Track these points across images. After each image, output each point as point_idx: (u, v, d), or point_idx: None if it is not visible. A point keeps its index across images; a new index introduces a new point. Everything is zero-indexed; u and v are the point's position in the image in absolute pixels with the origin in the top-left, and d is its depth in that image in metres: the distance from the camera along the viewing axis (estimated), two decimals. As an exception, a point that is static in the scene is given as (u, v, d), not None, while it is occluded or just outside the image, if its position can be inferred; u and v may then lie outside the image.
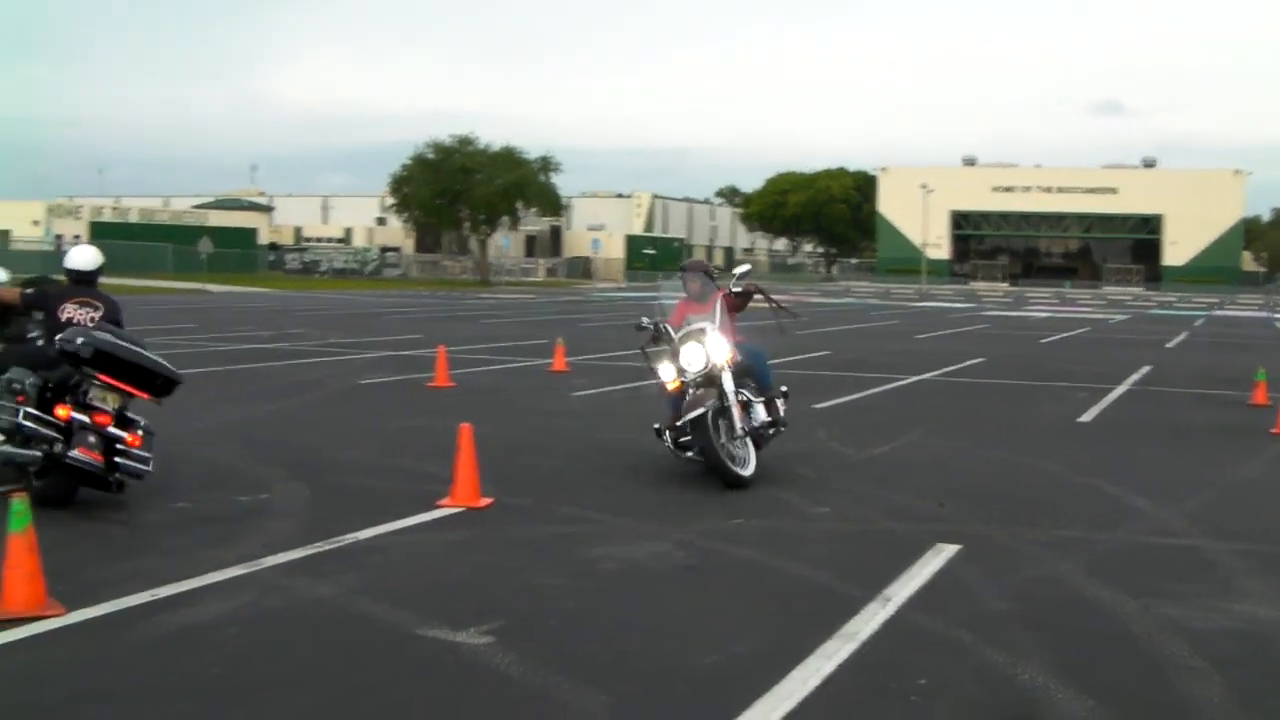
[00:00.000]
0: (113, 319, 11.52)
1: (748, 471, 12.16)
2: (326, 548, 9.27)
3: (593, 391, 20.15)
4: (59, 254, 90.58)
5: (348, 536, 9.58)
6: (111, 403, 10.70)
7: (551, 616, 7.77)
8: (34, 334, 11.82)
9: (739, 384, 12.58)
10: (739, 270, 13.63)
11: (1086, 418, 18.40)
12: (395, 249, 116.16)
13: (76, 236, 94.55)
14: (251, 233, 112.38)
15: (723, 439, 12.08)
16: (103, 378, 10.68)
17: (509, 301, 62.29)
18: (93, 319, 11.42)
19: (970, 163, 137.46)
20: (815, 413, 18.00)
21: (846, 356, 29.12)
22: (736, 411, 12.23)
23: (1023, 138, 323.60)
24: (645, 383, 21.45)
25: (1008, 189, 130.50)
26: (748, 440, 12.37)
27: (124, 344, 10.89)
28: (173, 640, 7.16)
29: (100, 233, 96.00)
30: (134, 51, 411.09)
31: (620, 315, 48.19)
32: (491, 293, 76.77)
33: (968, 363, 27.94)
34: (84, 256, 11.89)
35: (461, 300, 62.87)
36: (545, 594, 8.28)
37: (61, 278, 11.97)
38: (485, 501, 10.76)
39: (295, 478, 11.98)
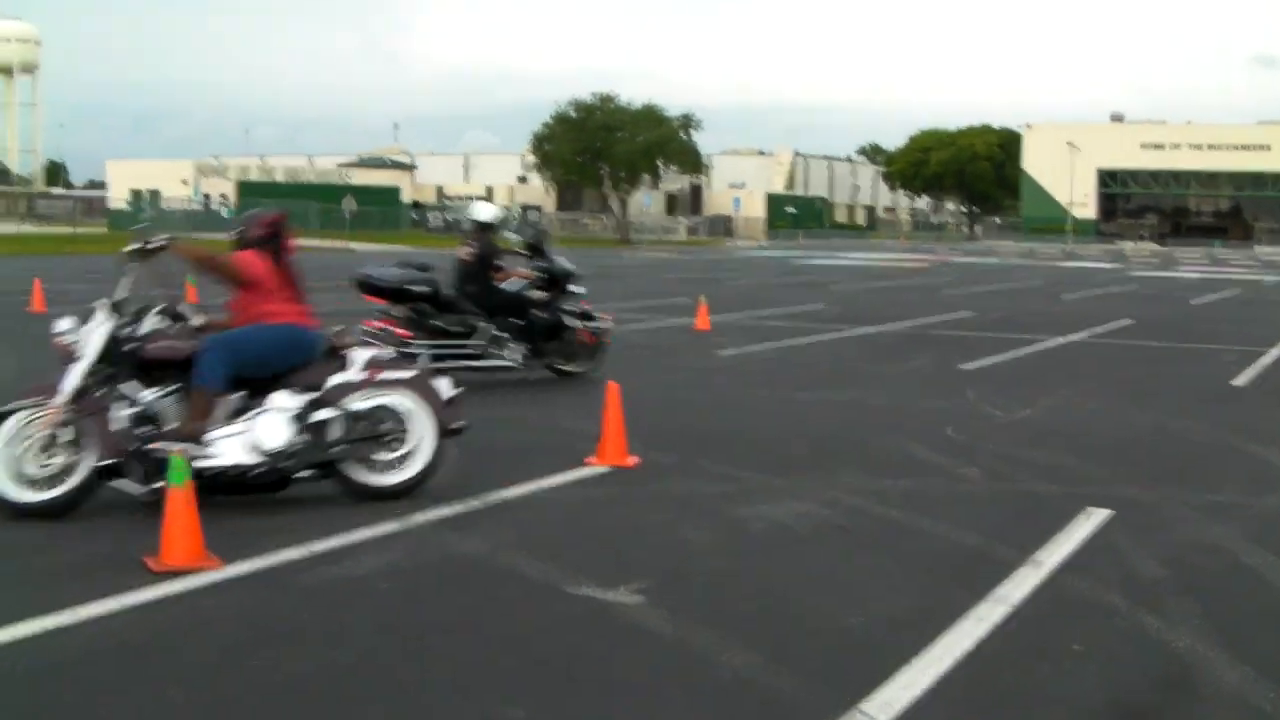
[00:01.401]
0: (481, 255, 15.94)
1: (26, 497, 8.76)
2: (476, 504, 9.36)
3: (737, 350, 20.13)
4: (207, 213, 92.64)
5: (496, 494, 9.66)
6: (397, 312, 15.16)
7: (700, 575, 7.80)
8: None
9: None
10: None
11: (1240, 380, 18.02)
12: (536, 207, 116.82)
13: (224, 195, 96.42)
14: (394, 191, 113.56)
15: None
16: (365, 296, 15.52)
17: (650, 260, 62.37)
18: (469, 255, 15.98)
19: (1118, 119, 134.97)
20: (962, 374, 17.82)
21: (992, 317, 28.80)
22: (48, 412, 8.82)
23: (1173, 93, 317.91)
24: (792, 341, 21.41)
25: (1157, 146, 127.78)
26: (80, 455, 8.88)
27: (373, 274, 15.54)
28: (328, 593, 7.29)
29: (247, 192, 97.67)
30: (280, 11, 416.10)
31: (763, 273, 48.05)
32: (632, 251, 76.88)
33: (1116, 324, 27.48)
34: (476, 209, 16.82)
35: (603, 259, 62.99)
36: (694, 553, 8.31)
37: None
38: (632, 460, 10.80)
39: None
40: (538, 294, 16.14)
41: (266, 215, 9.95)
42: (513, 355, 15.67)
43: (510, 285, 16.05)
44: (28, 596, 7.05)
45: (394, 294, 15.30)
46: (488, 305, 15.72)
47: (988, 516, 9.40)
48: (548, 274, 16.42)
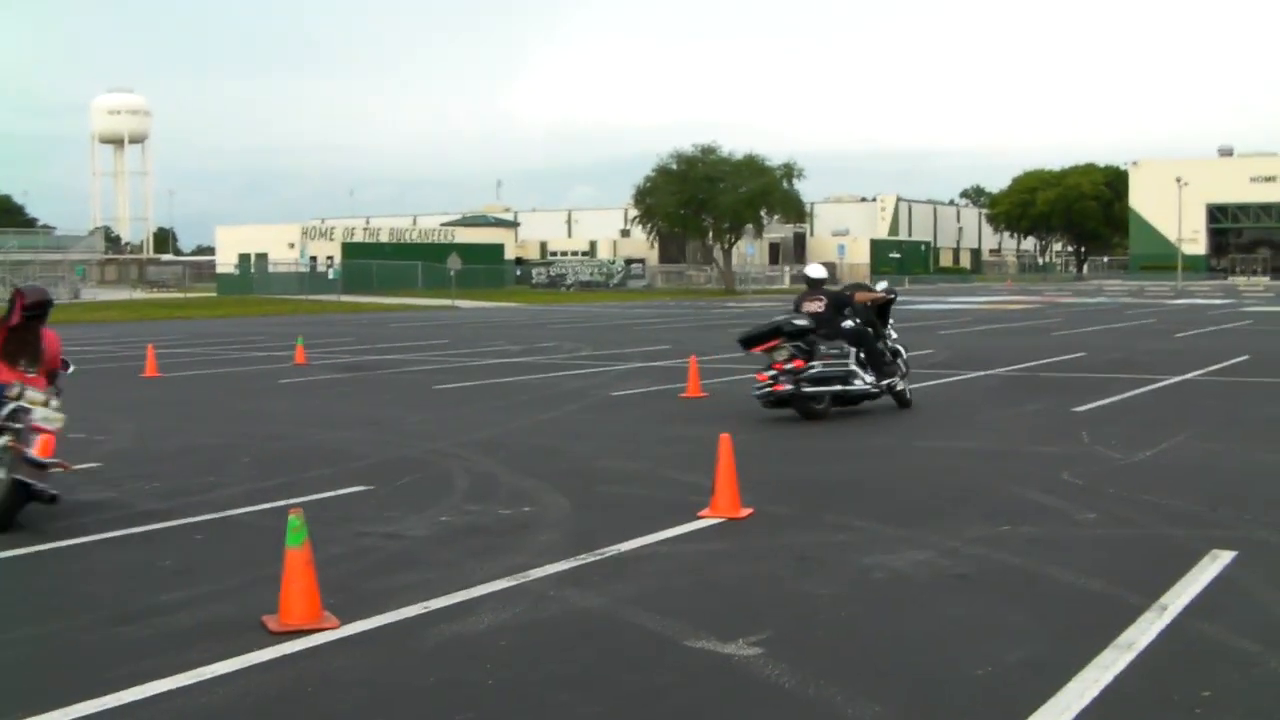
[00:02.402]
0: (835, 305, 18.50)
1: None
2: (591, 559, 9.35)
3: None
4: (314, 275, 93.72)
5: (611, 548, 9.65)
6: (782, 354, 17.56)
7: (820, 627, 7.73)
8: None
9: None
10: None
11: (1363, 416, 17.65)
12: (639, 260, 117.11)
13: (330, 258, 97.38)
14: (498, 248, 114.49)
15: None
16: (750, 350, 18.24)
17: (755, 309, 62.15)
18: (817, 308, 18.38)
19: (1227, 153, 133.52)
20: (1076, 416, 17.59)
21: (1105, 357, 28.44)
22: None
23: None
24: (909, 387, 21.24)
25: (1268, 179, 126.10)
26: None
27: (749, 331, 18.23)
28: (448, 651, 7.29)
29: (351, 253, 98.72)
30: (383, 74, 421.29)
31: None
32: (738, 301, 76.86)
33: (1232, 361, 27.06)
34: (813, 270, 19.77)
35: (708, 310, 63.12)
36: (812, 604, 8.24)
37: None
38: (746, 511, 10.75)
39: (556, 489, 12.12)
40: (867, 329, 18.74)
41: (18, 291, 11.56)
42: (871, 379, 18.22)
43: (849, 323, 18.53)
44: (155, 657, 7.11)
45: (774, 335, 17.71)
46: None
47: (1109, 561, 9.24)
48: (893, 295, 20.02)
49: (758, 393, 17.71)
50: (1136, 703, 6.34)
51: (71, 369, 12.15)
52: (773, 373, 17.55)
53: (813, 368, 17.51)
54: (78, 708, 6.32)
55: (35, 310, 11.34)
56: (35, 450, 10.56)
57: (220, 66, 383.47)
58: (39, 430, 10.65)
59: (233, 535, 10.57)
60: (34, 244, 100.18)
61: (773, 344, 17.70)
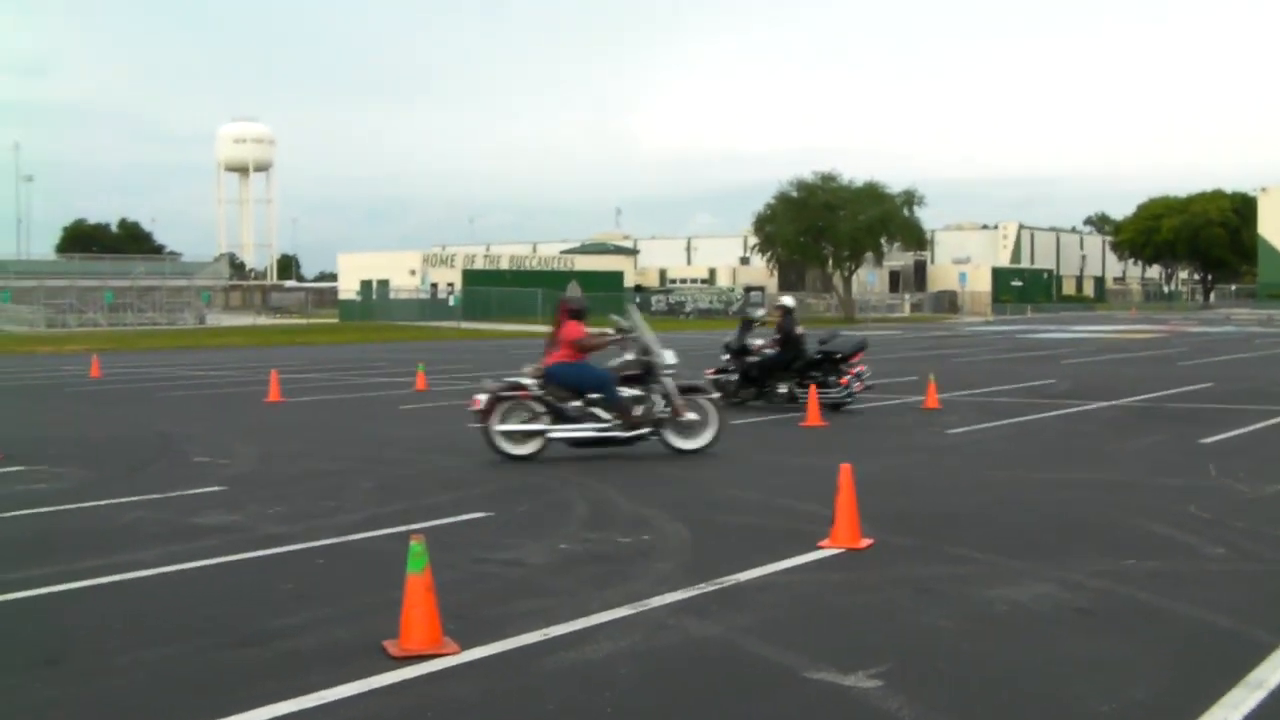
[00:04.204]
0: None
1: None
2: (710, 588, 9.33)
3: (968, 428, 19.83)
4: (435, 301, 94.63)
5: (730, 577, 9.62)
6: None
7: (940, 660, 7.64)
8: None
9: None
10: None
11: None
12: (759, 288, 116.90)
13: (450, 284, 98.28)
14: (618, 276, 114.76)
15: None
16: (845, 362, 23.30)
17: (875, 337, 61.72)
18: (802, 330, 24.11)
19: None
20: (1203, 448, 17.29)
21: (1233, 388, 27.94)
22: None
23: None
24: (1024, 418, 21.04)
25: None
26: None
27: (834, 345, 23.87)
28: (567, 678, 7.29)
29: (472, 280, 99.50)
30: (501, 100, 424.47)
31: (990, 349, 47.35)
32: (857, 329, 76.40)
33: (1364, 392, 26.46)
34: (788, 300, 24.88)
35: (827, 337, 62.71)
36: (932, 637, 8.15)
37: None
38: (866, 542, 10.68)
39: (674, 518, 12.11)
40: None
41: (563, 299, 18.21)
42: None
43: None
44: (276, 680, 7.19)
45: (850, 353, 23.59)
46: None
47: (1239, 597, 9.06)
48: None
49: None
50: (1267, 743, 6.22)
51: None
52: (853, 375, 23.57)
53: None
54: (201, 730, 6.41)
55: (572, 314, 17.59)
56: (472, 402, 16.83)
57: (343, 95, 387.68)
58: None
59: (353, 560, 10.67)
60: (160, 270, 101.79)
61: None
